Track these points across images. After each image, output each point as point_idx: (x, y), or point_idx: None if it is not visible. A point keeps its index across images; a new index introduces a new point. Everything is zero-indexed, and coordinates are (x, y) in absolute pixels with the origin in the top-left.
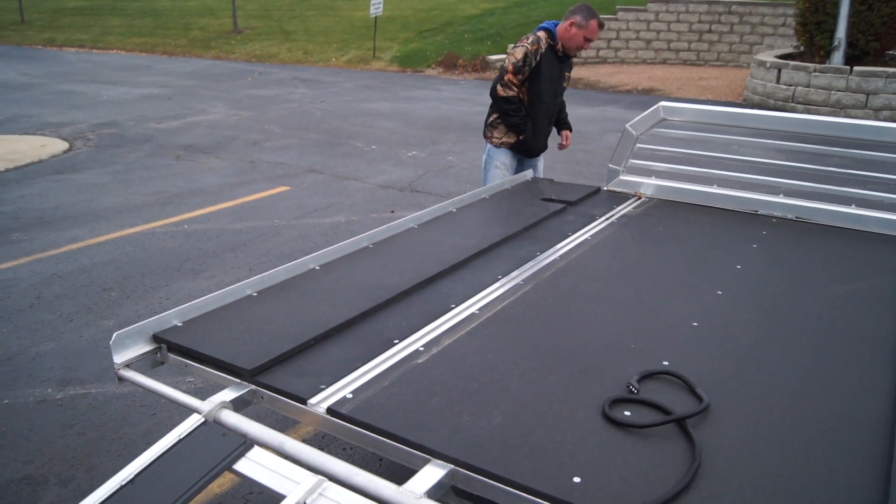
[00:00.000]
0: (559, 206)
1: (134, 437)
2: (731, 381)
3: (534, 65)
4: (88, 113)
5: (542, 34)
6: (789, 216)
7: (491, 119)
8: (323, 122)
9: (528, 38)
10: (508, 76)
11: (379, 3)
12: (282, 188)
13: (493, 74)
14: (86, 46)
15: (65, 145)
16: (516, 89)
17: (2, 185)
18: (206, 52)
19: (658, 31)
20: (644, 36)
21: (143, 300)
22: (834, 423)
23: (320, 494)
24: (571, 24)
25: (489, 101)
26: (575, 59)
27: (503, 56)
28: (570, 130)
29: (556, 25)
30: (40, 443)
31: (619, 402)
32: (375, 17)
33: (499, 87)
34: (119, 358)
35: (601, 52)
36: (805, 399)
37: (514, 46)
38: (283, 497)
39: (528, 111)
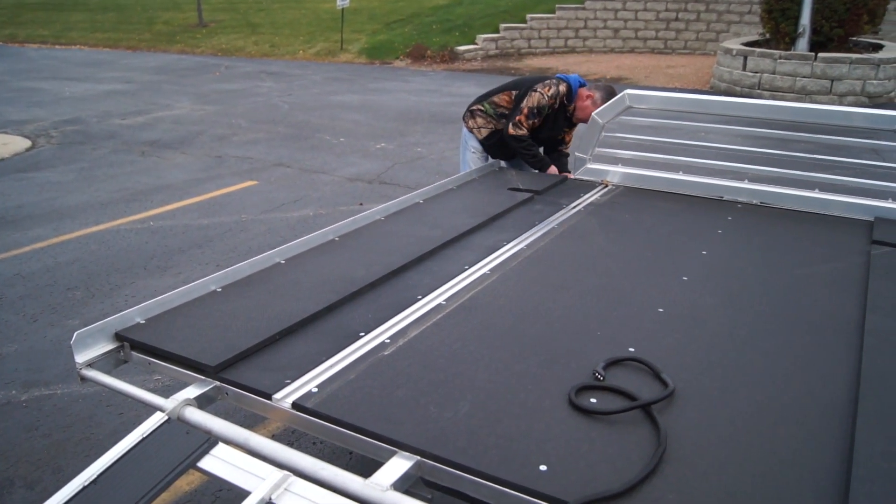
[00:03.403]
0: (526, 195)
1: (101, 437)
2: (696, 366)
3: (545, 115)
4: (51, 110)
5: (563, 89)
6: (754, 201)
7: (474, 107)
8: (290, 115)
9: (549, 90)
10: (521, 118)
11: None
12: (249, 183)
13: (462, 65)
14: (48, 42)
15: (27, 143)
16: (526, 131)
17: None
18: (171, 46)
19: (626, 20)
20: (612, 25)
21: (109, 299)
22: (798, 405)
23: (286, 490)
24: (588, 97)
25: (457, 92)
26: (543, 49)
27: (472, 46)
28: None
29: (579, 85)
30: (5, 446)
31: (585, 389)
32: (342, 9)
33: (510, 126)
34: (81, 357)
35: (569, 42)
36: (770, 382)
37: (536, 90)
38: (248, 493)
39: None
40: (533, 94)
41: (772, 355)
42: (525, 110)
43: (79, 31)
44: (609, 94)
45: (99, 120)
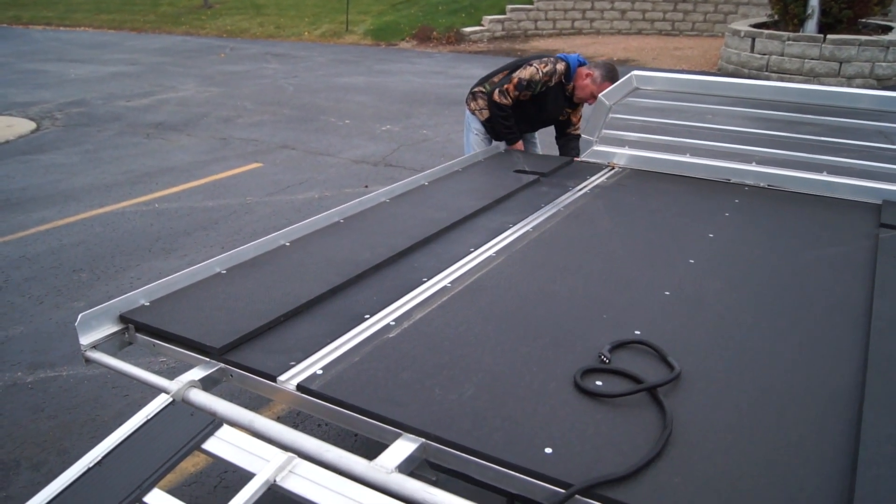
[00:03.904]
0: (532, 177)
1: (106, 418)
2: (702, 349)
3: (537, 92)
4: (56, 92)
5: (560, 67)
6: (761, 184)
7: (475, 89)
8: (296, 97)
9: (546, 66)
10: (509, 86)
11: None
12: (254, 165)
13: (468, 47)
14: (52, 24)
15: (32, 125)
16: (510, 100)
17: None
18: (176, 28)
19: (633, 2)
20: (619, 6)
21: (114, 281)
22: (805, 389)
23: (290, 472)
24: (588, 75)
25: (463, 74)
26: (550, 30)
27: (478, 28)
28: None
29: (579, 64)
30: (11, 427)
31: (590, 371)
32: None
33: (496, 92)
34: (85, 339)
35: (576, 24)
36: (776, 366)
37: (532, 64)
38: (252, 475)
39: (513, 111)
40: (528, 67)
41: (778, 339)
42: (515, 80)
43: (83, 12)
44: (609, 71)
45: (104, 102)
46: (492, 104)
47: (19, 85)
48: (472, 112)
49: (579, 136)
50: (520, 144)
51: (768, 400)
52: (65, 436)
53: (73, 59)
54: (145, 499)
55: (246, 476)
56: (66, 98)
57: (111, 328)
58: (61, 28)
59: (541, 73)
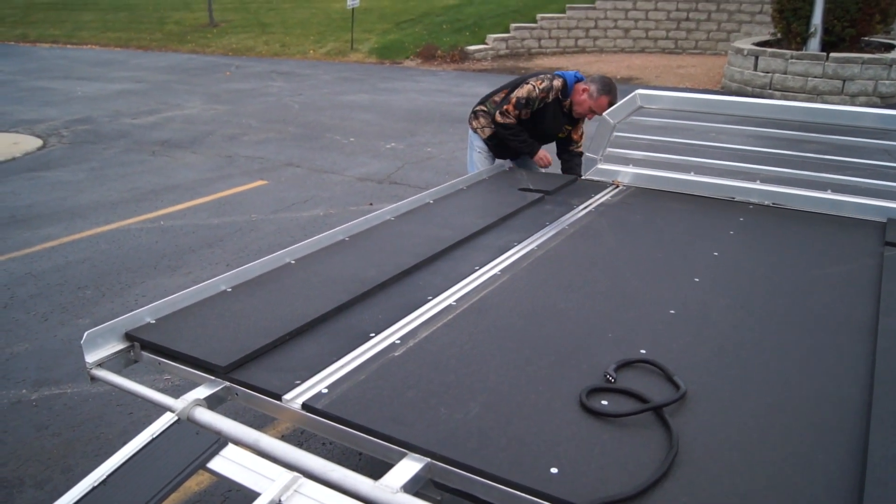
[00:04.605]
0: (536, 195)
1: (111, 436)
2: (708, 368)
3: (535, 109)
4: (62, 109)
5: (557, 84)
6: (766, 202)
7: (477, 108)
8: (301, 115)
9: (542, 83)
10: (508, 107)
11: None
12: (259, 182)
13: (473, 65)
14: (59, 42)
15: (38, 142)
16: (513, 119)
17: None
18: (182, 46)
19: (636, 20)
20: (622, 25)
21: (119, 298)
22: (811, 407)
23: (296, 491)
24: (584, 90)
25: (467, 92)
26: (553, 49)
27: (482, 46)
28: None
29: (576, 80)
30: (15, 445)
31: (596, 391)
32: (352, 9)
33: (497, 115)
34: (91, 357)
35: (579, 42)
36: (782, 384)
37: (528, 82)
38: (257, 495)
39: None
40: (525, 85)
41: (784, 357)
42: (514, 99)
43: (90, 30)
44: (605, 85)
45: (110, 119)
46: (498, 127)
47: (26, 102)
48: (475, 130)
49: (581, 153)
50: (543, 153)
51: (774, 418)
52: (69, 454)
53: (79, 77)
54: None
55: (251, 495)
56: (73, 115)
57: (117, 346)
58: (68, 46)
59: (537, 91)
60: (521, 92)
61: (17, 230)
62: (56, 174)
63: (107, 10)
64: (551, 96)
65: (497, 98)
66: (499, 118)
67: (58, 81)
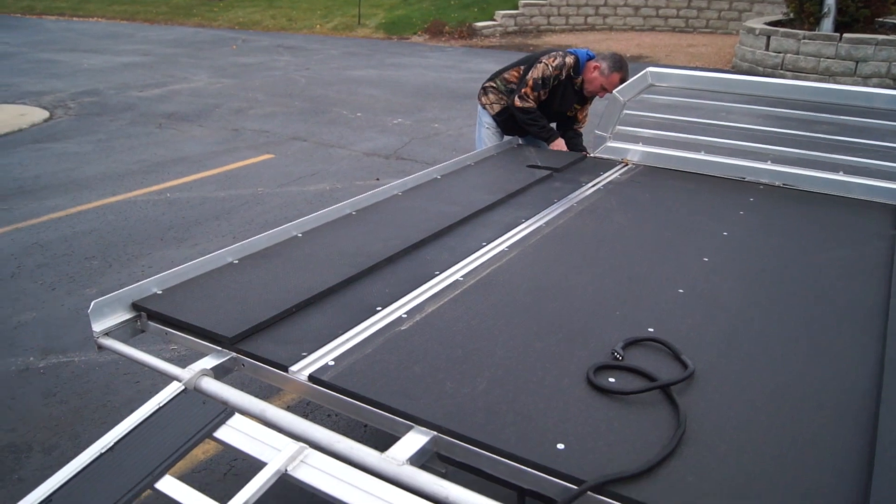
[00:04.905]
0: (545, 172)
1: (117, 404)
2: (716, 347)
3: (552, 87)
4: (69, 82)
5: (570, 61)
6: (776, 183)
7: (487, 84)
8: (307, 89)
9: (555, 60)
10: (526, 90)
11: None
12: (266, 156)
13: (481, 42)
14: (66, 14)
15: (45, 114)
16: (532, 102)
17: None
18: (188, 19)
19: None
20: (632, 2)
21: (126, 269)
22: (819, 389)
23: (301, 461)
24: (596, 67)
25: (475, 68)
26: (562, 26)
27: (490, 23)
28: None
29: (588, 58)
30: (23, 411)
31: (603, 368)
32: None
33: (516, 99)
34: (98, 326)
35: (589, 20)
36: (791, 365)
37: (541, 61)
38: (264, 464)
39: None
40: (538, 65)
41: (793, 339)
42: (530, 82)
43: (96, 3)
44: (616, 62)
45: (116, 92)
46: (516, 111)
47: (32, 74)
48: (484, 106)
49: (581, 133)
50: (560, 142)
51: (783, 399)
52: (76, 421)
53: (85, 50)
54: (157, 485)
55: (257, 465)
56: (79, 88)
57: (124, 315)
58: (74, 18)
59: (550, 68)
60: (536, 72)
61: (24, 201)
62: (63, 146)
63: None
64: (564, 73)
65: (508, 76)
66: (518, 102)
67: (64, 54)
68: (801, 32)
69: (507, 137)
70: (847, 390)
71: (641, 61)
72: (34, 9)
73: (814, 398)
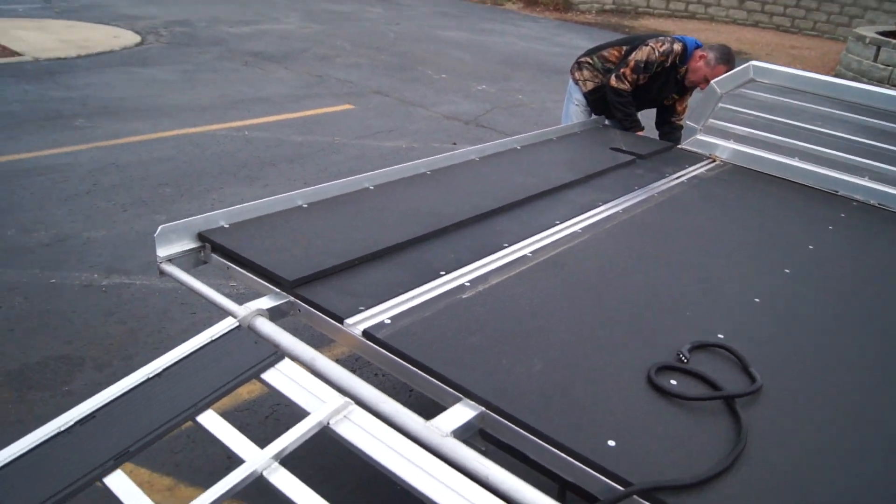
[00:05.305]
0: (628, 157)
1: (172, 332)
2: (788, 365)
3: (654, 72)
4: (163, 9)
5: (678, 48)
6: (872, 201)
7: (582, 59)
8: (395, 44)
9: (662, 45)
10: (626, 70)
11: None
12: (346, 106)
13: (575, 17)
14: None
15: (137, 38)
16: (629, 85)
17: (72, 70)
18: None
19: None
20: None
21: (197, 200)
22: (893, 423)
23: (345, 417)
24: (702, 57)
25: (567, 43)
26: (662, 10)
27: None
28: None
29: (696, 46)
30: (81, 325)
31: (666, 369)
32: None
33: (612, 78)
34: (162, 252)
35: (690, 7)
36: (865, 395)
37: (648, 44)
38: (307, 414)
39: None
40: (644, 47)
41: (871, 367)
42: (632, 63)
43: None
44: (724, 54)
45: (207, 25)
46: (609, 91)
47: None
48: (576, 82)
49: (682, 126)
50: (641, 135)
51: (853, 427)
52: (130, 342)
53: None
54: (198, 418)
55: (299, 413)
56: (173, 16)
57: (188, 244)
58: None
59: (657, 53)
60: (640, 55)
61: (108, 120)
62: (150, 72)
63: None
64: (669, 60)
65: (608, 54)
66: (613, 82)
67: None
68: None
69: (594, 116)
70: None
71: (740, 57)
72: None
73: (885, 432)
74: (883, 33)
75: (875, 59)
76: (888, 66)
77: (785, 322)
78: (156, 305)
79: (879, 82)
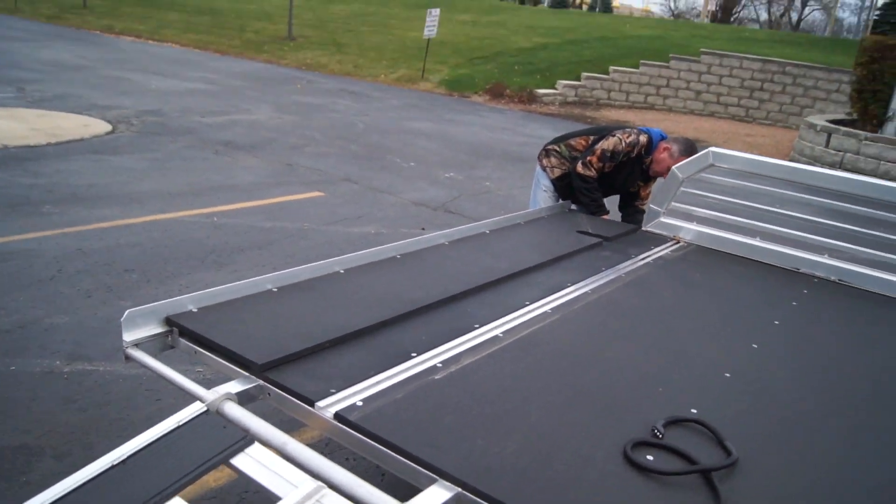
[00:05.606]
0: (595, 240)
1: (135, 420)
2: (761, 438)
3: (619, 162)
4: (135, 100)
5: (643, 140)
6: (832, 278)
7: (550, 147)
8: (364, 134)
9: (629, 137)
10: (593, 158)
11: (433, 25)
12: (315, 193)
13: (540, 108)
14: (142, 37)
15: (108, 127)
16: (595, 172)
17: (42, 158)
18: (258, 55)
19: (709, 84)
20: (694, 87)
21: (163, 286)
22: (868, 496)
23: (318, 501)
24: (666, 149)
25: (532, 133)
26: (622, 102)
27: (551, 91)
28: None
29: (660, 138)
30: (41, 414)
31: (641, 444)
32: (428, 39)
33: (579, 164)
34: (129, 336)
35: (649, 98)
36: (840, 467)
37: (615, 134)
38: (278, 499)
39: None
40: (611, 137)
41: (844, 440)
42: (598, 151)
43: (173, 29)
44: (687, 147)
45: (179, 115)
46: (576, 177)
47: (102, 89)
48: (544, 168)
49: (644, 210)
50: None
51: (830, 497)
52: (92, 430)
53: (156, 72)
54: None
55: (270, 498)
56: (145, 107)
57: (155, 329)
58: (150, 41)
59: (623, 144)
60: (608, 144)
61: (75, 207)
62: (120, 159)
63: (191, 13)
64: (636, 151)
65: (574, 143)
66: (580, 168)
67: (135, 73)
68: (863, 133)
69: (560, 201)
70: None
71: (699, 144)
72: (113, 28)
73: (862, 499)
74: (833, 121)
75: (826, 145)
76: (839, 151)
77: (756, 395)
78: (119, 392)
79: (831, 167)
